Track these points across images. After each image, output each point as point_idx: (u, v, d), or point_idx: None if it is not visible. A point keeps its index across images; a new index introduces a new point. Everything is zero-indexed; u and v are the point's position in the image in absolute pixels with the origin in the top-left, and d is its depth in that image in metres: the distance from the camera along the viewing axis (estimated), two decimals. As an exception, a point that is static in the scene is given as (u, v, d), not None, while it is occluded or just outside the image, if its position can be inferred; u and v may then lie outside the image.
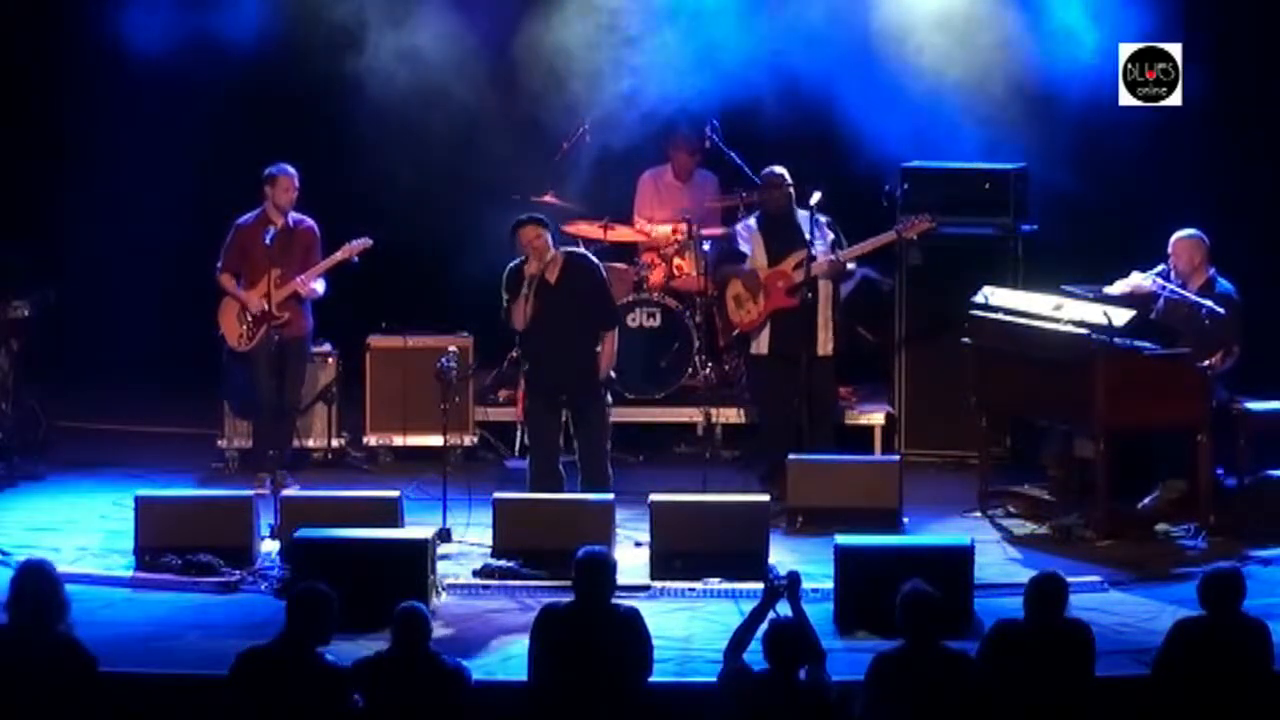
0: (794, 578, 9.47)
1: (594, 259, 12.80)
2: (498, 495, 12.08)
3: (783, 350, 13.49)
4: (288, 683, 8.91)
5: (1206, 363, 12.53)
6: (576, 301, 12.44)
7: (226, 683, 9.05)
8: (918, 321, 14.61)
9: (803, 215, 13.48)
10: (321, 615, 9.01)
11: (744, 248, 13.65)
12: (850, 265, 13.64)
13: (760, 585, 9.62)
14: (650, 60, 14.87)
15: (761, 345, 13.59)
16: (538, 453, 12.62)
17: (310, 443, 14.47)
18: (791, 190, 13.53)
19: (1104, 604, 11.27)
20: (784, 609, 9.33)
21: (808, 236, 13.41)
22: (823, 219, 13.54)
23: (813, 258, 13.38)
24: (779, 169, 13.59)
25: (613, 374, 12.61)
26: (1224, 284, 12.88)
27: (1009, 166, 14.57)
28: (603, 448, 12.56)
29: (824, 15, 14.72)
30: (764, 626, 9.19)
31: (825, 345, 13.53)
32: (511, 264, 12.56)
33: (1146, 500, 12.77)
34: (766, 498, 12.27)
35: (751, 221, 13.70)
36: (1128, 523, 12.62)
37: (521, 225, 12.43)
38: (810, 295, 13.35)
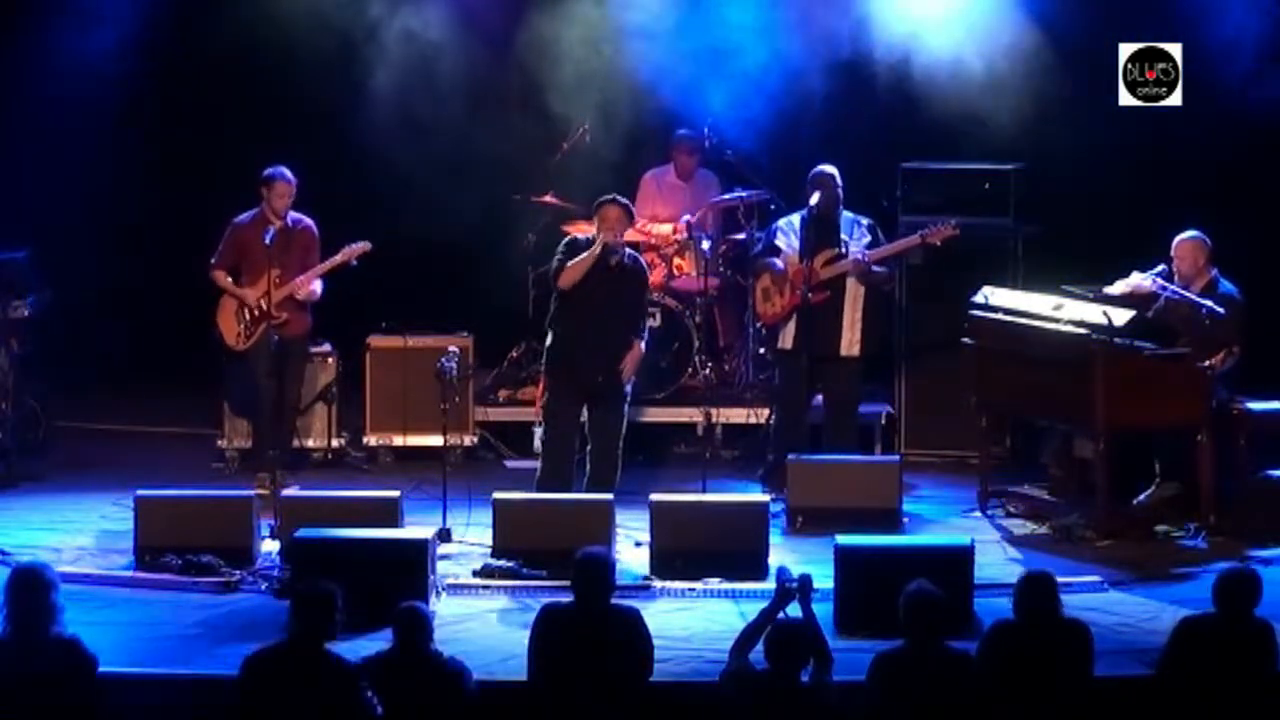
0: (805, 581, 9.50)
1: (648, 277, 12.98)
2: (498, 495, 12.06)
3: (805, 347, 13.47)
4: (299, 683, 8.91)
5: (1207, 363, 12.54)
6: (623, 297, 12.53)
7: (235, 687, 9.04)
8: (918, 321, 14.62)
9: (847, 216, 13.50)
10: (327, 612, 9.01)
11: (781, 242, 13.64)
12: (880, 267, 13.56)
13: (764, 585, 9.63)
14: (650, 60, 14.86)
15: (787, 340, 13.58)
16: (552, 451, 12.61)
17: (310, 443, 14.47)
18: (839, 190, 13.49)
19: (1104, 604, 11.26)
20: (794, 610, 9.35)
21: (844, 237, 13.43)
22: (864, 221, 13.55)
23: (842, 256, 13.40)
24: (829, 168, 13.53)
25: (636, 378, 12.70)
26: (1226, 285, 12.87)
27: (1009, 166, 14.58)
28: (615, 447, 12.56)
29: (824, 15, 14.72)
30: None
31: (851, 346, 13.48)
32: (575, 234, 12.75)
33: (1142, 496, 12.78)
34: (767, 497, 12.27)
35: (795, 218, 13.65)
36: (1128, 523, 12.62)
37: (608, 204, 12.56)
38: (810, 294, 13.33)
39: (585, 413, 12.61)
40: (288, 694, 8.92)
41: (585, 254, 12.44)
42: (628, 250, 12.68)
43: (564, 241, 12.70)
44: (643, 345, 12.65)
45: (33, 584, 9.07)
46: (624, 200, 12.71)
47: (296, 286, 13.70)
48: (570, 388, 12.58)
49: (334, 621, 9.04)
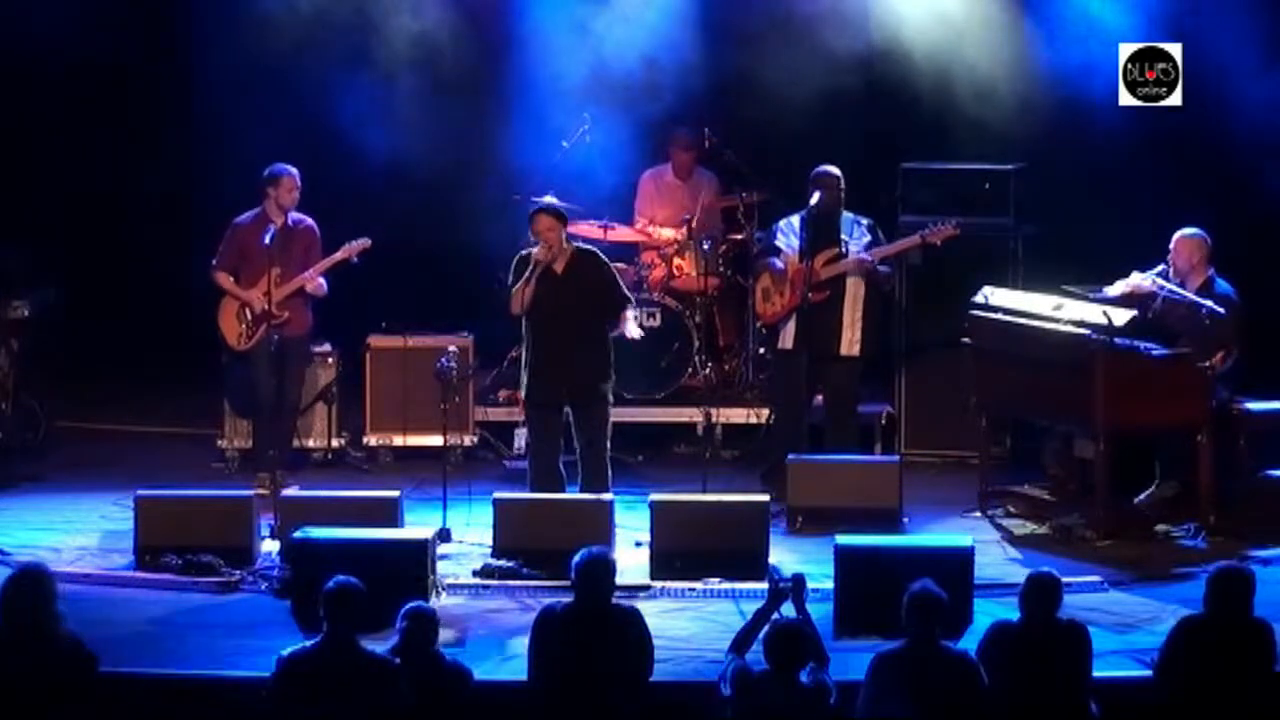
0: (799, 580, 9.51)
1: (603, 255, 12.76)
2: (498, 495, 12.08)
3: (805, 347, 13.48)
4: (342, 682, 8.91)
5: (1206, 363, 12.54)
6: (582, 295, 12.42)
7: (272, 687, 9.02)
8: (918, 321, 14.62)
9: (847, 216, 13.51)
10: (359, 607, 9.03)
11: (781, 242, 13.63)
12: (883, 267, 13.56)
13: (763, 585, 9.63)
14: (650, 58, 14.86)
15: (786, 340, 13.59)
16: (538, 451, 12.61)
17: (310, 443, 14.47)
18: (841, 190, 13.49)
19: (1104, 604, 11.27)
20: (789, 610, 9.34)
21: (844, 236, 13.44)
22: (864, 220, 13.57)
23: (842, 256, 13.41)
24: (830, 167, 13.53)
25: (613, 374, 12.60)
26: (1223, 284, 12.88)
27: (1009, 166, 14.58)
28: (603, 447, 12.53)
29: (823, 14, 14.72)
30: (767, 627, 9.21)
31: (851, 345, 13.49)
32: (522, 251, 12.58)
33: (1143, 496, 12.79)
34: (767, 497, 12.27)
35: (795, 218, 13.65)
36: (1128, 523, 12.63)
37: (536, 213, 12.50)
38: (810, 294, 13.34)
39: (570, 414, 12.57)
40: (330, 693, 8.90)
41: (524, 277, 12.36)
42: (575, 245, 12.58)
43: (513, 261, 12.55)
44: (630, 310, 12.50)
45: (33, 584, 9.06)
46: (553, 205, 12.57)
47: (306, 279, 13.69)
48: (547, 396, 12.53)
49: (361, 617, 9.06)
